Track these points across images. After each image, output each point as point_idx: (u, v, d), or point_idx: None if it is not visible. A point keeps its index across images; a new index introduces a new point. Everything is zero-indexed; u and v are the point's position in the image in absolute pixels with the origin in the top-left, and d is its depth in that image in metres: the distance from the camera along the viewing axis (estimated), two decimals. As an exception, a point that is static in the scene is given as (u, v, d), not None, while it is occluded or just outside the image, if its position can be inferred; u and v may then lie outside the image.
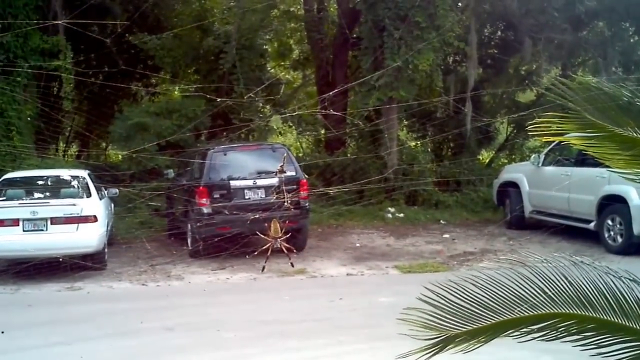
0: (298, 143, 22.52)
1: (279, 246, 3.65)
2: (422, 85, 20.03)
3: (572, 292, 3.28)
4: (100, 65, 20.24)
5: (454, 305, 3.34)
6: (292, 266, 3.24)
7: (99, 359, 8.15)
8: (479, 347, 3.29)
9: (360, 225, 17.12)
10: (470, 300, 3.34)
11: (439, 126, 22.06)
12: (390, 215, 17.89)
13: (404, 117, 21.52)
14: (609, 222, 14.51)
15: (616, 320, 3.20)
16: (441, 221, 17.82)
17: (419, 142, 21.96)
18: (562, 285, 3.31)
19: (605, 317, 3.21)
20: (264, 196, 13.71)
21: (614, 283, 3.28)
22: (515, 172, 18.05)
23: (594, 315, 3.22)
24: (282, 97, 20.73)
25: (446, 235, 16.23)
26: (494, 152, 24.83)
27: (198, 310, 10.33)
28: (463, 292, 3.35)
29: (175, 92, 16.46)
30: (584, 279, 3.31)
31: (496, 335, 3.29)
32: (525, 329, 3.26)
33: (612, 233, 14.47)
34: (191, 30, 18.23)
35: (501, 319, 3.27)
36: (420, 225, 17.47)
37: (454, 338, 3.25)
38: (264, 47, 20.77)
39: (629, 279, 3.25)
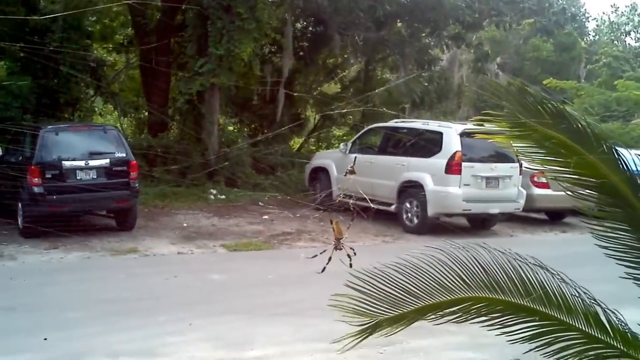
0: (119, 124, 21.79)
1: (341, 247, 3.52)
2: (241, 73, 20.13)
3: (484, 276, 3.39)
4: None
5: (379, 292, 3.37)
6: (351, 267, 3.06)
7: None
8: (400, 330, 3.39)
9: (185, 206, 16.89)
10: (394, 287, 3.38)
11: (255, 113, 22.26)
12: (212, 197, 17.84)
13: (225, 103, 21.49)
14: (407, 205, 15.38)
15: (521, 302, 3.36)
16: (260, 203, 17.99)
17: (236, 128, 22.06)
18: (475, 270, 3.41)
19: (512, 300, 3.36)
20: (95, 177, 13.30)
21: (521, 268, 3.40)
22: (325, 158, 18.58)
23: (502, 297, 3.36)
24: (107, 79, 20.02)
25: (265, 217, 16.41)
26: (304, 139, 25.38)
27: (37, 291, 9.83)
28: (388, 279, 3.39)
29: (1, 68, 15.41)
30: (495, 264, 3.42)
31: (417, 319, 3.38)
32: (440, 313, 3.36)
33: (409, 215, 15.38)
34: (16, 6, 17.13)
35: (422, 304, 3.35)
36: (240, 206, 17.55)
37: (381, 323, 3.31)
38: (89, 29, 19.93)
39: (535, 264, 3.39)
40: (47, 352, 7.31)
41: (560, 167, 3.26)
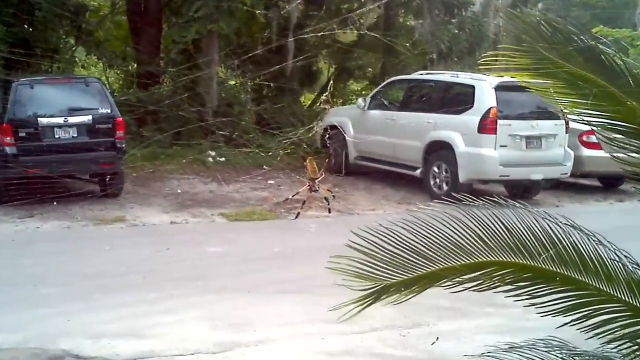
0: (104, 77, 21.78)
1: (317, 188, 3.41)
2: (243, 19, 19.96)
3: (508, 237, 3.28)
4: None
5: (386, 253, 3.28)
6: (329, 212, 2.95)
7: None
8: (411, 297, 3.30)
9: (179, 169, 16.88)
10: (403, 247, 3.30)
11: (260, 65, 22.07)
12: (210, 159, 17.81)
13: (225, 54, 21.34)
14: (435, 169, 15.18)
15: (553, 268, 3.23)
16: (264, 167, 17.96)
17: (238, 81, 21.96)
18: (498, 231, 3.30)
19: (542, 265, 3.23)
20: (75, 135, 13.31)
21: (550, 228, 3.28)
22: (340, 115, 18.45)
23: (531, 263, 3.23)
24: (90, 26, 19.98)
25: (271, 181, 16.42)
26: (316, 94, 25.22)
27: (9, 263, 9.92)
28: (395, 238, 3.30)
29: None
30: (521, 223, 3.31)
31: (430, 285, 3.29)
32: (458, 279, 3.26)
33: (438, 180, 15.18)
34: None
35: (436, 267, 3.26)
36: (242, 169, 17.52)
37: (388, 288, 3.23)
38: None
39: (567, 224, 3.28)
40: (21, 331, 7.33)
41: (594, 110, 3.15)
